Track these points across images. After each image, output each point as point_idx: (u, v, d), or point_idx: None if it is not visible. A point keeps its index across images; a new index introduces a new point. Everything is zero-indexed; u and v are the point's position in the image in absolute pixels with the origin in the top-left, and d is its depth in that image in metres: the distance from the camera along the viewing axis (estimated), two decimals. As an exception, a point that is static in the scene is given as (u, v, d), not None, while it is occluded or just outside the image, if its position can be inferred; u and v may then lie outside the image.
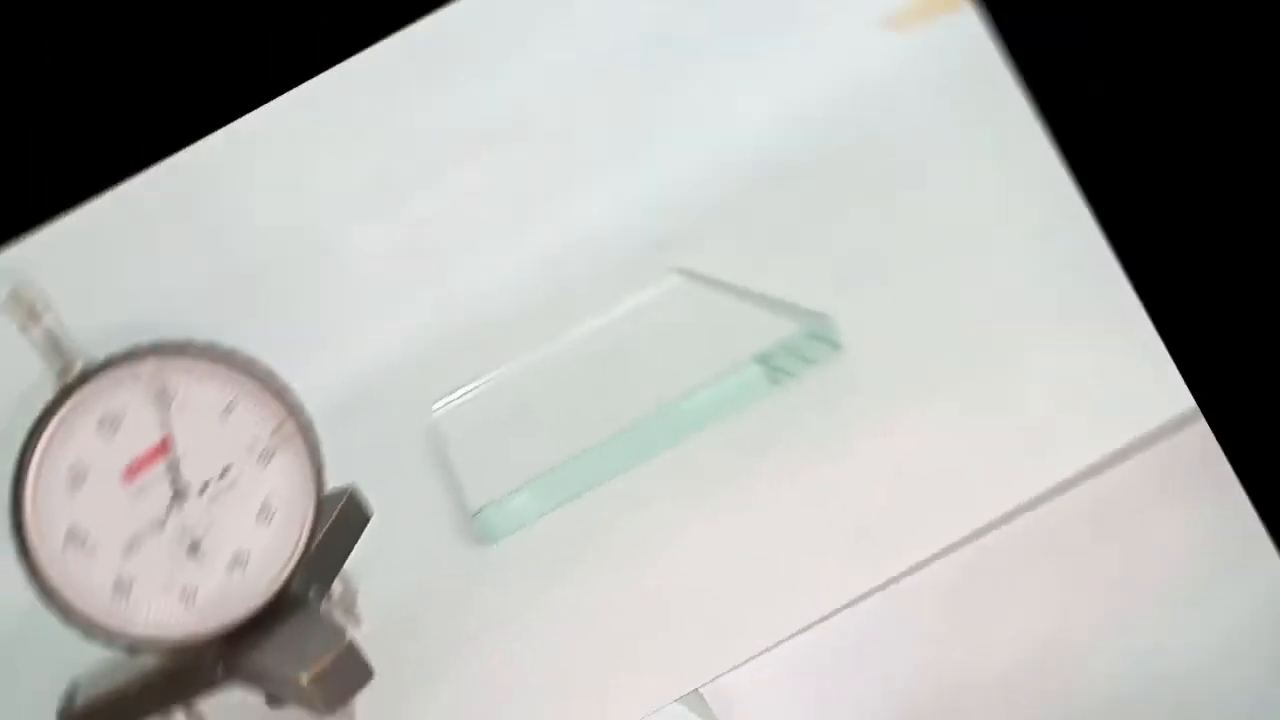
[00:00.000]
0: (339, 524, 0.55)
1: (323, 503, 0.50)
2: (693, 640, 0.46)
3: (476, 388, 0.78)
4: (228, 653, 0.49)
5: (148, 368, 0.47)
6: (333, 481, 0.51)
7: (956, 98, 0.86)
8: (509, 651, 0.50)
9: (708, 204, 0.93)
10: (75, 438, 0.46)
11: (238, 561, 0.48)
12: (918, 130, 0.88)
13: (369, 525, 0.57)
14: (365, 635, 0.52)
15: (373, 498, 0.58)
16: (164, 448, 0.47)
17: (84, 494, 0.46)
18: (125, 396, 0.47)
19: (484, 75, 1.00)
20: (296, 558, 0.49)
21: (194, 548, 0.48)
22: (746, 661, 0.44)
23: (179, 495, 0.47)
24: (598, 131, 1.02)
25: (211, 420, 0.48)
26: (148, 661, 0.50)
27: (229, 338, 0.49)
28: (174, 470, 0.47)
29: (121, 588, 0.46)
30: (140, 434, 0.47)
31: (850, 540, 0.47)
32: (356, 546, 0.56)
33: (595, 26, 1.02)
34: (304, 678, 0.45)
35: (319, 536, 0.50)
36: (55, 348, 0.47)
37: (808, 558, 0.47)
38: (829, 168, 0.90)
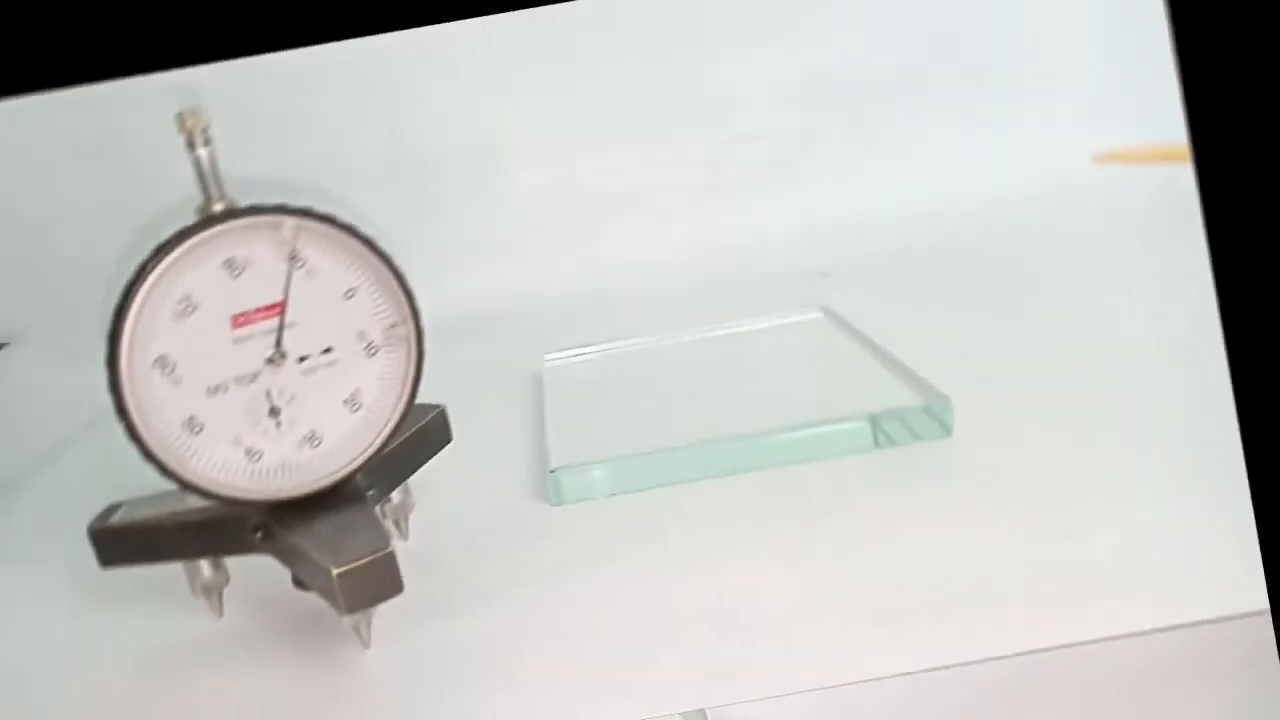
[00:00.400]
0: (419, 437, 0.55)
1: (410, 411, 0.49)
2: (715, 661, 0.45)
3: (593, 353, 0.77)
4: (271, 523, 0.49)
5: (290, 226, 0.47)
6: (426, 397, 0.50)
7: (1142, 238, 0.85)
8: (537, 613, 0.50)
9: (875, 255, 0.93)
10: (197, 270, 0.46)
11: (311, 439, 0.48)
12: (1094, 256, 0.88)
13: (446, 448, 0.57)
14: (406, 550, 0.52)
15: (459, 425, 0.58)
16: (279, 308, 0.47)
17: (188, 325, 0.46)
18: (258, 247, 0.47)
19: (705, 59, 1.00)
20: (368, 455, 0.49)
21: (274, 412, 0.48)
22: (759, 700, 0.43)
23: (277, 358, 0.48)
24: (796, 148, 1.02)
25: (332, 297, 0.48)
26: (193, 507, 0.50)
27: (372, 227, 0.49)
28: (280, 332, 0.47)
29: (193, 426, 0.46)
30: (261, 287, 0.47)
31: (894, 619, 0.46)
32: (427, 465, 0.56)
33: (831, 50, 1.02)
34: (335, 570, 0.45)
35: (396, 442, 0.50)
36: (207, 179, 0.47)
37: (848, 621, 0.46)
38: (1000, 262, 0.90)
